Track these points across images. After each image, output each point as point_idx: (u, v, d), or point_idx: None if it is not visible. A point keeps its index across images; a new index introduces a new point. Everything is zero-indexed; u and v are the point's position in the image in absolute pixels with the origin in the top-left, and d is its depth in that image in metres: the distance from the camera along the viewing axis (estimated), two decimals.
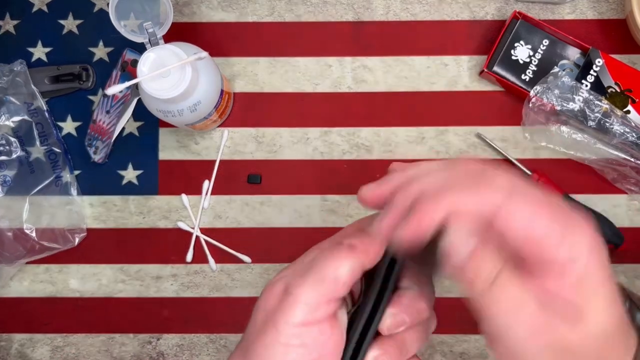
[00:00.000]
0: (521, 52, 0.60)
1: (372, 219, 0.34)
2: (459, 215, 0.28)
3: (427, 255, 0.30)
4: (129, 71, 0.62)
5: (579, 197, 0.60)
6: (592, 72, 0.59)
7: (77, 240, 0.62)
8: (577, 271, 0.28)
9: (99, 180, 0.63)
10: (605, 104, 0.58)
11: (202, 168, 0.63)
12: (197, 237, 0.62)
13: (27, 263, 0.62)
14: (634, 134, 0.58)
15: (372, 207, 0.33)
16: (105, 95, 0.62)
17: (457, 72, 0.62)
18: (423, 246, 0.29)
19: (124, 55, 0.62)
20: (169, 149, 0.63)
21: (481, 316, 0.29)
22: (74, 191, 0.62)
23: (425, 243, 0.29)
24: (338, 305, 0.31)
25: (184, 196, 0.63)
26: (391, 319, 0.32)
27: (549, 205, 0.28)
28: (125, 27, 0.55)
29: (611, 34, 0.62)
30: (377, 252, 0.32)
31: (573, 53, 0.61)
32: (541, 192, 0.29)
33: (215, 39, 0.63)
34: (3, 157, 0.62)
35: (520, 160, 0.61)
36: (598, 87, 0.59)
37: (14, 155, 0.62)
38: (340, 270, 0.30)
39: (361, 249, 0.31)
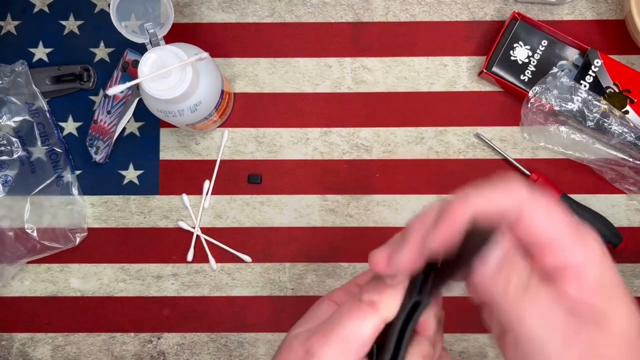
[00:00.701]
0: (520, 52, 0.61)
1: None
2: (485, 214, 0.27)
3: (451, 270, 0.28)
4: (130, 72, 0.62)
5: (577, 197, 0.61)
6: (590, 72, 0.59)
7: (78, 240, 0.62)
8: (593, 275, 0.28)
9: (100, 180, 0.63)
10: (603, 104, 0.58)
11: (203, 168, 0.63)
12: (197, 236, 0.63)
13: (29, 262, 0.63)
14: (632, 134, 0.58)
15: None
16: (106, 96, 0.63)
17: (456, 73, 0.63)
18: (451, 255, 0.28)
19: (125, 55, 0.62)
20: (169, 149, 0.63)
21: (510, 326, 0.27)
22: (75, 191, 0.63)
23: (454, 249, 0.28)
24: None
25: (184, 196, 0.63)
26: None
27: (561, 209, 0.28)
28: (126, 28, 0.55)
29: (610, 35, 0.62)
30: (399, 303, 0.31)
31: (572, 53, 0.61)
32: (551, 198, 0.29)
33: (216, 40, 0.63)
34: (4, 157, 0.62)
35: (518, 160, 0.61)
36: (597, 88, 0.59)
37: (15, 155, 0.62)
38: (364, 330, 0.30)
39: (383, 304, 0.30)
